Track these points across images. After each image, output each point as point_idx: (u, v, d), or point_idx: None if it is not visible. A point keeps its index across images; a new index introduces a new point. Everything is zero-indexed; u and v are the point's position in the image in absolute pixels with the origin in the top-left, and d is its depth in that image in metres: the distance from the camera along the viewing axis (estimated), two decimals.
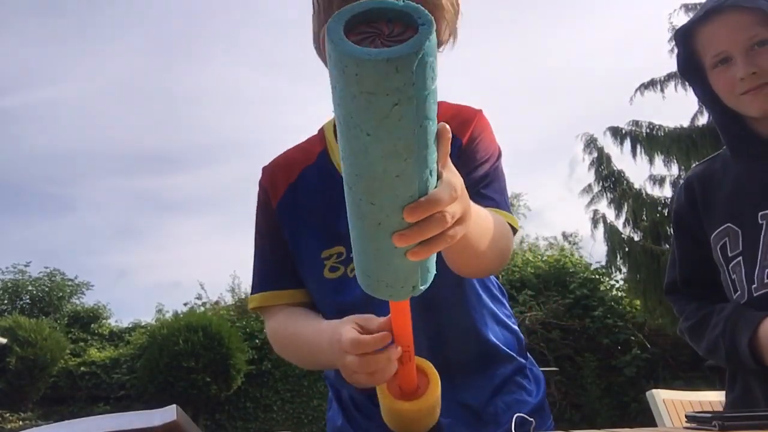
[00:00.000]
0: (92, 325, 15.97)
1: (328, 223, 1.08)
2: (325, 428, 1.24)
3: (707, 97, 1.27)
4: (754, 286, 1.19)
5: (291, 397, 11.85)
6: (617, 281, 11.91)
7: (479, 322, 1.08)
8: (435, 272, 0.71)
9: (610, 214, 9.72)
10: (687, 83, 1.33)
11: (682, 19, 9.42)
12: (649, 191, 9.84)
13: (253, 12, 30.69)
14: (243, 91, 28.62)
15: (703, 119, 9.50)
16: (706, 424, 0.85)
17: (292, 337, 1.08)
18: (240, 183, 25.11)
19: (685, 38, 1.26)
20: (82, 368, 13.10)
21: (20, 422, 11.69)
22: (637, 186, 9.84)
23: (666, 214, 9.50)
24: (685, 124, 9.70)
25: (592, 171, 9.91)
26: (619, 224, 9.66)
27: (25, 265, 18.46)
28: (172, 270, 31.43)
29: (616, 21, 29.00)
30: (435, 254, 0.69)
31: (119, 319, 21.04)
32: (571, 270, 12.24)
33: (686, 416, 0.93)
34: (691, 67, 1.27)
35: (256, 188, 1.17)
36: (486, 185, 1.02)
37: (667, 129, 9.62)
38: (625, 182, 9.82)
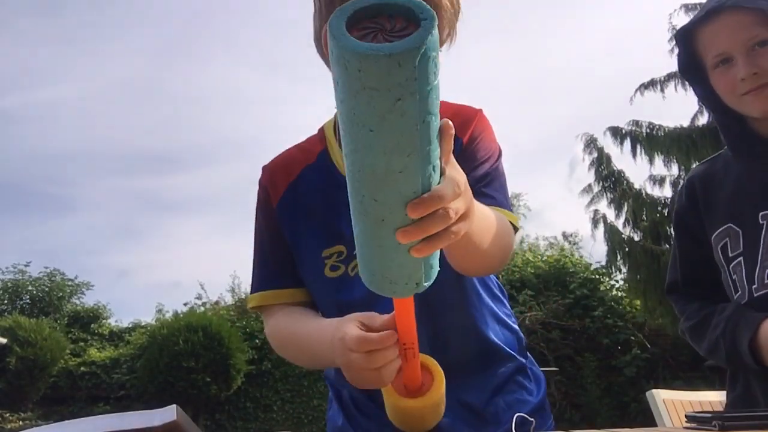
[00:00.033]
0: (92, 325, 15.96)
1: (329, 222, 1.08)
2: (325, 428, 1.24)
3: (708, 97, 1.27)
4: (754, 286, 1.19)
5: (291, 397, 11.85)
6: (617, 281, 11.91)
7: (479, 321, 1.08)
8: (438, 269, 0.71)
9: (610, 214, 9.74)
10: (688, 84, 1.33)
11: (682, 19, 9.43)
12: (649, 191, 9.85)
13: (253, 12, 30.71)
14: (243, 91, 28.65)
15: (703, 119, 9.50)
16: (706, 424, 0.85)
17: (293, 336, 1.08)
18: (240, 183, 25.16)
19: (685, 39, 1.26)
20: (82, 368, 13.10)
21: (20, 422, 11.68)
22: (637, 186, 9.84)
23: (666, 214, 9.50)
24: (685, 124, 9.71)
25: (592, 171, 9.92)
26: (619, 224, 9.67)
27: (25, 265, 18.48)
28: (172, 270, 31.45)
29: (616, 21, 29.02)
30: (438, 252, 0.69)
31: (119, 319, 21.05)
32: (571, 270, 12.24)
33: (686, 416, 0.93)
34: (692, 67, 1.27)
35: (256, 187, 1.17)
36: (487, 184, 1.02)
37: (667, 129, 9.62)
38: (625, 182, 9.82)
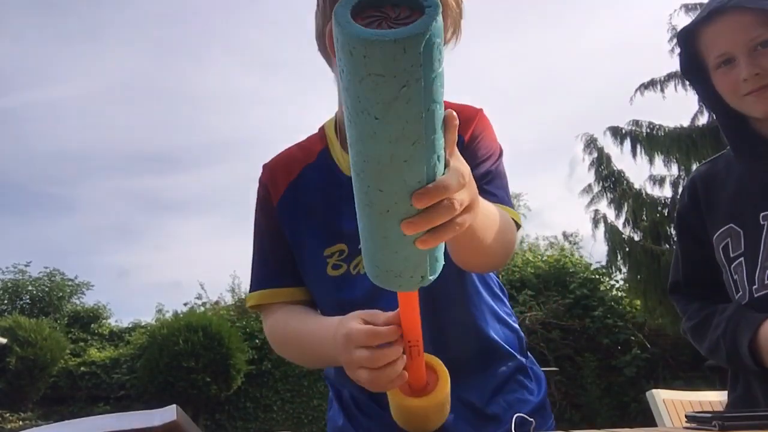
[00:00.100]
0: (92, 325, 15.97)
1: (330, 221, 1.08)
2: (325, 428, 1.24)
3: (710, 97, 1.27)
4: (755, 286, 1.19)
5: (291, 397, 11.85)
6: (617, 281, 11.91)
7: (480, 319, 1.08)
8: (444, 262, 0.70)
9: (610, 214, 9.73)
10: (689, 84, 1.33)
11: (682, 19, 9.43)
12: (649, 191, 9.85)
13: (253, 12, 30.70)
14: (243, 91, 28.67)
15: (703, 119, 9.49)
16: (706, 424, 0.85)
17: (293, 334, 1.08)
18: (240, 183, 25.14)
19: (687, 39, 1.26)
20: (82, 368, 13.09)
21: (20, 422, 11.68)
22: (637, 186, 9.84)
23: (666, 214, 9.50)
24: (685, 124, 9.70)
25: (592, 171, 9.91)
26: (619, 224, 9.67)
27: (25, 265, 18.50)
28: (172, 270, 31.44)
29: (616, 21, 29.03)
30: (443, 244, 0.69)
31: (119, 319, 21.09)
32: (571, 270, 12.24)
33: (686, 416, 0.93)
34: (694, 67, 1.27)
35: (256, 186, 1.17)
36: (488, 182, 1.02)
37: (667, 129, 9.61)
38: (625, 182, 9.82)
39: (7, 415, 11.96)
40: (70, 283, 18.44)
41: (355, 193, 0.62)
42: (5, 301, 17.82)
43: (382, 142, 0.56)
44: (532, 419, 1.02)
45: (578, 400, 10.73)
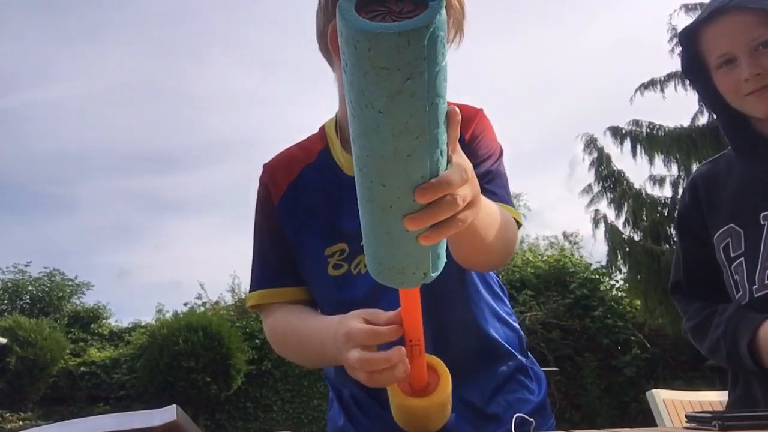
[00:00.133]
0: (92, 325, 15.97)
1: (330, 220, 1.08)
2: (325, 428, 1.24)
3: (711, 97, 1.27)
4: (755, 286, 1.19)
5: (291, 397, 11.84)
6: (617, 281, 11.91)
7: (481, 318, 1.08)
8: (446, 260, 0.70)
9: (610, 214, 9.73)
10: (690, 84, 1.33)
11: (682, 19, 9.44)
12: (649, 191, 9.85)
13: (253, 12, 30.70)
14: (243, 91, 28.66)
15: (703, 119, 9.49)
16: (706, 424, 0.84)
17: (293, 333, 1.08)
18: (240, 183, 25.14)
19: (689, 39, 1.25)
20: (82, 368, 13.09)
21: (20, 422, 11.68)
22: (637, 186, 9.84)
23: (666, 214, 9.50)
24: (685, 124, 9.70)
25: (592, 171, 9.91)
26: (619, 224, 9.67)
27: (25, 265, 18.50)
28: (172, 270, 31.44)
29: (616, 21, 29.02)
30: (445, 241, 0.69)
31: (119, 319, 21.09)
32: (571, 270, 12.24)
33: (686, 416, 0.92)
34: (695, 67, 1.27)
35: (257, 186, 1.17)
36: (489, 181, 1.02)
37: (667, 129, 9.61)
38: (625, 182, 9.82)
39: (7, 415, 11.96)
40: (70, 283, 18.44)
41: (358, 188, 0.62)
42: (5, 301, 17.82)
43: (386, 135, 0.56)
44: (532, 419, 1.02)
45: (578, 400, 10.73)
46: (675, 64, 9.72)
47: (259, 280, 1.14)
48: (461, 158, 0.65)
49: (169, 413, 0.86)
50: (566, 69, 28.01)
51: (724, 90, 1.22)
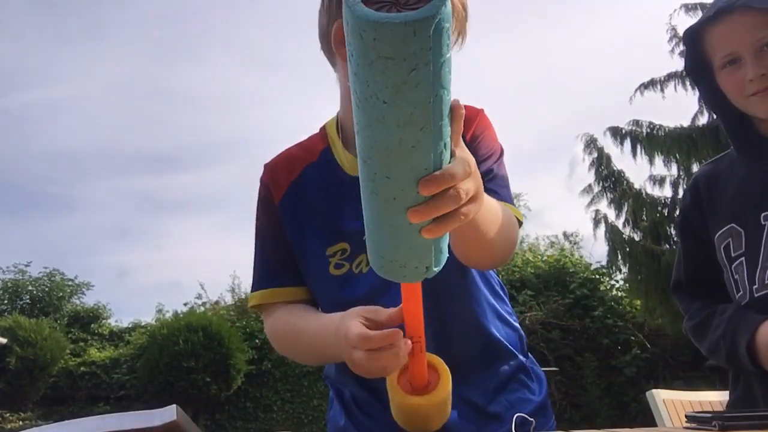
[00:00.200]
0: (92, 325, 15.97)
1: (332, 220, 1.08)
2: (325, 428, 1.24)
3: (714, 97, 1.26)
4: (755, 286, 1.19)
5: (291, 397, 11.85)
6: (617, 281, 11.91)
7: (482, 317, 1.09)
8: (448, 255, 0.71)
9: (611, 214, 9.73)
10: (693, 83, 1.33)
11: (682, 19, 9.42)
12: (649, 191, 9.84)
13: (253, 12, 30.70)
14: (243, 91, 28.67)
15: (703, 119, 9.49)
16: (706, 424, 0.85)
17: (294, 332, 1.08)
18: (240, 183, 25.10)
19: (693, 38, 1.25)
20: (82, 368, 13.10)
21: (20, 422, 11.69)
22: (637, 186, 9.84)
23: (666, 214, 9.50)
24: (685, 124, 9.69)
25: (592, 171, 9.91)
26: (619, 224, 9.66)
27: (25, 265, 18.51)
28: (172, 270, 31.42)
29: (616, 21, 29.01)
30: (448, 236, 0.69)
31: (119, 319, 21.07)
32: (571, 270, 12.24)
33: (686, 416, 0.93)
34: (698, 67, 1.27)
35: (257, 186, 1.17)
36: (490, 180, 1.03)
37: (667, 129, 9.60)
38: (625, 182, 9.81)
39: (7, 415, 11.97)
40: (70, 283, 18.45)
41: (362, 180, 0.63)
42: (5, 301, 17.82)
43: (391, 126, 0.56)
44: (532, 419, 1.02)
45: (578, 400, 10.73)
46: (675, 64, 9.72)
47: (261, 280, 1.14)
48: (464, 152, 0.65)
49: (169, 413, 0.86)
50: (566, 69, 28.00)
51: (728, 90, 1.22)
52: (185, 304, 14.80)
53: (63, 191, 30.94)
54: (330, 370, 1.17)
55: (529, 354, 1.19)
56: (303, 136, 1.19)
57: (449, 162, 0.62)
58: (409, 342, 0.82)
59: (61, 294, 17.90)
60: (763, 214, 1.20)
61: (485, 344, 1.09)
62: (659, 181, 9.85)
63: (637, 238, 9.51)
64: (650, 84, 9.77)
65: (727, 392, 1.32)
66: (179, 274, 32.84)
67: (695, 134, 9.28)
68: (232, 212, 28.87)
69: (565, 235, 16.50)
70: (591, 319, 11.18)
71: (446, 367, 0.89)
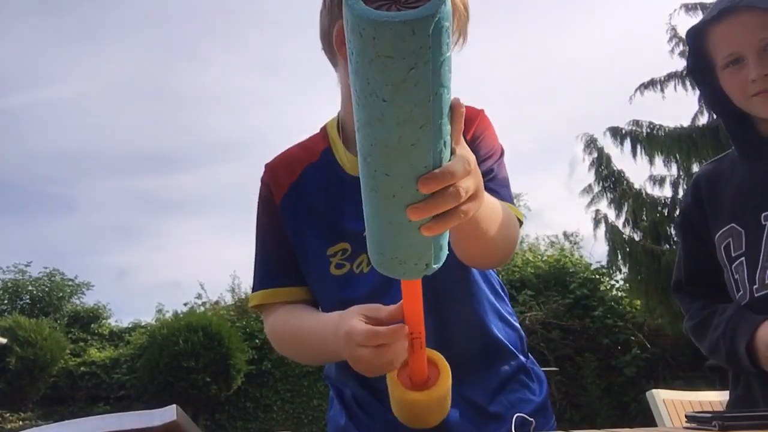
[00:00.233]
0: (92, 325, 15.97)
1: (332, 220, 1.08)
2: (325, 428, 1.24)
3: (715, 97, 1.26)
4: (755, 286, 1.19)
5: (291, 397, 11.85)
6: (617, 281, 11.92)
7: (484, 316, 1.09)
8: (447, 252, 0.71)
9: (611, 214, 9.73)
10: (694, 82, 1.33)
11: (682, 19, 9.44)
12: (649, 191, 9.85)
13: (253, 12, 30.69)
14: (243, 91, 28.66)
15: (703, 119, 9.49)
16: (706, 424, 0.85)
17: (294, 331, 1.08)
18: (240, 183, 25.12)
19: (695, 37, 1.25)
20: (82, 368, 13.10)
21: (20, 422, 11.69)
22: (637, 186, 9.84)
23: (666, 214, 9.50)
24: (685, 124, 9.70)
25: (592, 171, 9.91)
26: (619, 224, 9.66)
27: (26, 265, 18.51)
28: (172, 270, 31.43)
29: (617, 21, 28.97)
30: (448, 232, 0.69)
31: (119, 319, 21.08)
32: (571, 270, 12.24)
33: (686, 416, 0.93)
34: (700, 66, 1.27)
35: (257, 186, 1.17)
36: (490, 179, 1.03)
37: (667, 129, 9.61)
38: (625, 182, 9.82)
39: (7, 415, 11.97)
40: (70, 283, 18.45)
41: (362, 178, 0.63)
42: (5, 301, 17.82)
43: (390, 124, 0.56)
44: (532, 419, 1.02)
45: (578, 400, 10.73)
46: (675, 64, 9.72)
47: (262, 280, 1.14)
48: (465, 150, 0.65)
49: (169, 413, 0.86)
50: (566, 69, 27.98)
51: (731, 90, 1.22)
52: (185, 304, 14.82)
53: (63, 191, 30.98)
54: (330, 370, 1.17)
55: (530, 354, 1.19)
56: (303, 136, 1.19)
57: (449, 159, 0.62)
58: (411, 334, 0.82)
59: (61, 294, 17.90)
60: (763, 214, 1.20)
61: (486, 344, 1.09)
62: (659, 181, 9.86)
63: (637, 238, 9.51)
64: (650, 84, 9.77)
65: (727, 392, 1.32)
66: (179, 274, 32.89)
67: (695, 134, 9.29)
68: (232, 212, 28.88)
69: (565, 235, 16.49)
70: (591, 319, 11.18)
71: (446, 362, 0.89)
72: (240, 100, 28.74)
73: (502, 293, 1.17)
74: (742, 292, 1.21)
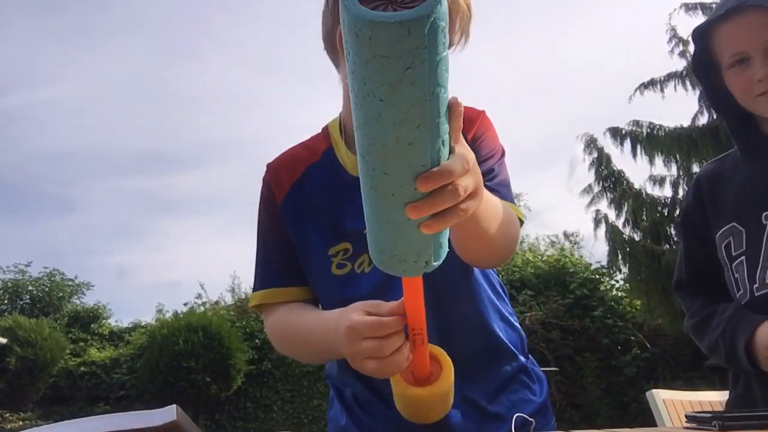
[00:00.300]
0: (92, 325, 15.97)
1: (334, 220, 1.08)
2: (325, 428, 1.24)
3: (718, 96, 1.26)
4: (755, 285, 1.19)
5: (291, 397, 11.85)
6: (617, 281, 11.92)
7: (485, 315, 1.09)
8: (447, 249, 0.71)
9: (611, 214, 9.73)
10: (698, 82, 1.33)
11: (682, 19, 9.45)
12: (649, 191, 9.85)
13: (253, 12, 30.69)
14: (243, 91, 28.63)
15: (703, 119, 9.50)
16: (706, 424, 0.85)
17: (294, 329, 1.08)
18: (240, 183, 25.14)
19: (701, 36, 1.25)
20: (82, 368, 13.10)
21: (20, 422, 11.69)
22: (637, 186, 9.84)
23: (666, 214, 9.50)
24: (685, 124, 9.70)
25: (592, 171, 9.91)
26: (619, 224, 9.67)
27: (26, 265, 18.51)
28: (172, 270, 31.41)
29: (617, 21, 28.97)
30: (447, 230, 0.69)
31: (119, 319, 21.09)
32: (571, 270, 12.24)
33: (686, 416, 0.93)
34: (704, 66, 1.27)
35: (258, 186, 1.17)
36: (491, 179, 1.03)
37: (667, 129, 9.61)
38: (625, 182, 9.82)
39: (7, 415, 11.97)
40: (70, 283, 18.45)
41: (361, 177, 0.63)
42: (5, 301, 17.83)
43: (387, 124, 0.57)
44: (532, 419, 1.02)
45: (578, 400, 10.73)
46: (675, 64, 9.73)
47: (263, 280, 1.14)
48: (464, 149, 0.65)
49: (169, 413, 0.86)
50: (566, 69, 27.98)
51: (735, 89, 1.21)
52: (185, 304, 14.82)
53: (63, 191, 30.97)
54: (331, 369, 1.17)
55: (530, 355, 1.19)
56: (303, 136, 1.19)
57: (448, 158, 0.62)
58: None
59: (61, 294, 17.90)
60: (764, 214, 1.20)
61: (488, 343, 1.09)
62: (659, 181, 9.86)
63: (637, 238, 9.51)
64: (650, 84, 9.77)
65: (727, 392, 1.32)
66: (179, 274, 32.87)
67: (695, 134, 9.29)
68: (232, 212, 28.90)
69: (565, 235, 16.51)
70: (591, 319, 11.18)
71: (448, 358, 0.89)
72: (240, 100, 28.74)
73: (503, 293, 1.17)
74: (742, 291, 1.21)
